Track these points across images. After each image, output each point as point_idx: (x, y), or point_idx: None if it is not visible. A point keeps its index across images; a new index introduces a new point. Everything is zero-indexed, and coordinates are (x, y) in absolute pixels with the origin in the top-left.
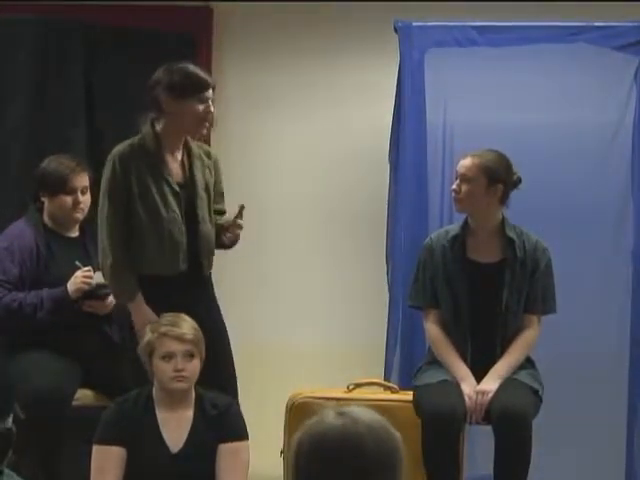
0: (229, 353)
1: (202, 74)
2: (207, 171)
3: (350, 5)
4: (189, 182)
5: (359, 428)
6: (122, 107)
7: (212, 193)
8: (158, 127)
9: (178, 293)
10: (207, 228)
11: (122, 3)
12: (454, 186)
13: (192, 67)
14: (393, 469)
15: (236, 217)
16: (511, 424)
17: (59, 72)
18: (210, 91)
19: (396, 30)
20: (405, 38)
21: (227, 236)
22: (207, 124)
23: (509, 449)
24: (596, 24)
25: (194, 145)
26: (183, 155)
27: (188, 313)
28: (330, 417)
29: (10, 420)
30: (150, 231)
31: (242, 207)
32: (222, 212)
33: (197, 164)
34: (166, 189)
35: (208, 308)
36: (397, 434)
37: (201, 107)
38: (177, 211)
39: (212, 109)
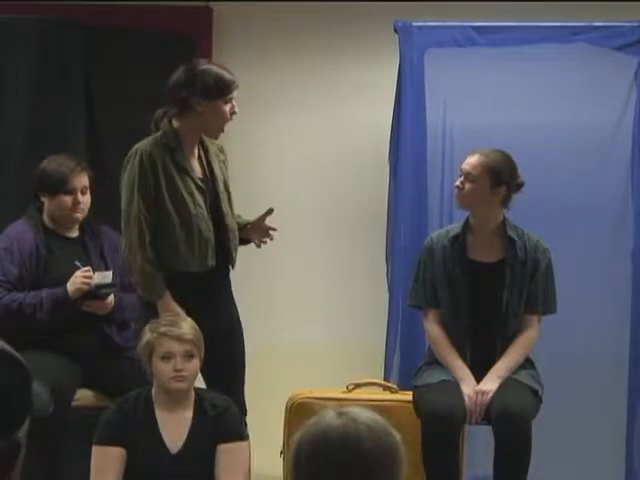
0: (242, 350)
1: (230, 76)
2: (222, 166)
3: (350, 5)
4: (209, 178)
5: (359, 427)
6: (122, 107)
7: (229, 188)
8: (176, 124)
9: (205, 288)
10: (232, 222)
11: (122, 3)
12: (458, 182)
13: (217, 68)
14: (393, 468)
15: (261, 219)
16: (511, 424)
17: (59, 72)
18: (235, 92)
19: (396, 30)
20: (405, 38)
21: (257, 239)
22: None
23: (509, 449)
24: (596, 24)
25: (207, 141)
26: (200, 151)
27: (212, 308)
28: (330, 417)
29: (24, 429)
30: (179, 228)
31: (270, 211)
32: None
33: (214, 160)
34: (191, 185)
35: (228, 303)
36: (397, 434)
37: (227, 107)
38: (203, 207)
39: (236, 109)
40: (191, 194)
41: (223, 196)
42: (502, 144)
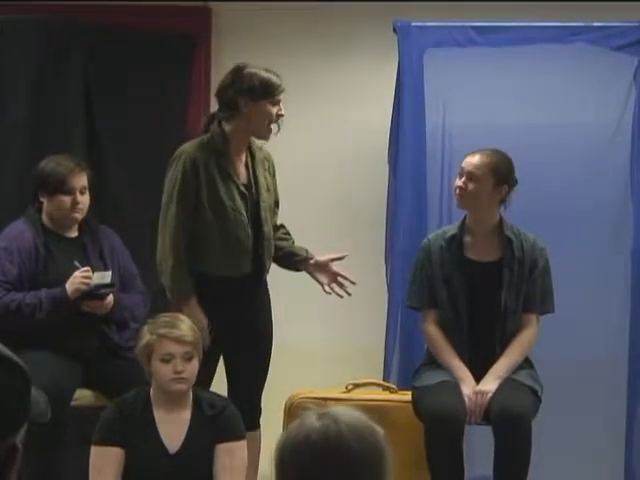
0: (268, 360)
1: (276, 79)
2: (267, 174)
3: (350, 5)
4: (253, 184)
5: (340, 428)
6: (122, 107)
7: (273, 196)
8: (226, 127)
9: (238, 294)
10: (269, 230)
11: (122, 3)
12: (460, 183)
13: (264, 71)
14: (378, 467)
15: (327, 260)
16: (510, 424)
17: (59, 72)
18: (282, 95)
19: (395, 30)
20: (404, 38)
21: (326, 283)
22: (276, 126)
23: (509, 449)
24: (596, 24)
25: (256, 149)
26: (247, 157)
27: (241, 313)
28: (311, 419)
29: (21, 435)
30: (217, 232)
31: (342, 257)
32: (281, 227)
33: (259, 167)
34: (234, 190)
35: (261, 309)
36: (380, 431)
37: (274, 109)
38: (244, 213)
39: (283, 112)
40: (232, 199)
41: (264, 204)
42: (501, 144)
